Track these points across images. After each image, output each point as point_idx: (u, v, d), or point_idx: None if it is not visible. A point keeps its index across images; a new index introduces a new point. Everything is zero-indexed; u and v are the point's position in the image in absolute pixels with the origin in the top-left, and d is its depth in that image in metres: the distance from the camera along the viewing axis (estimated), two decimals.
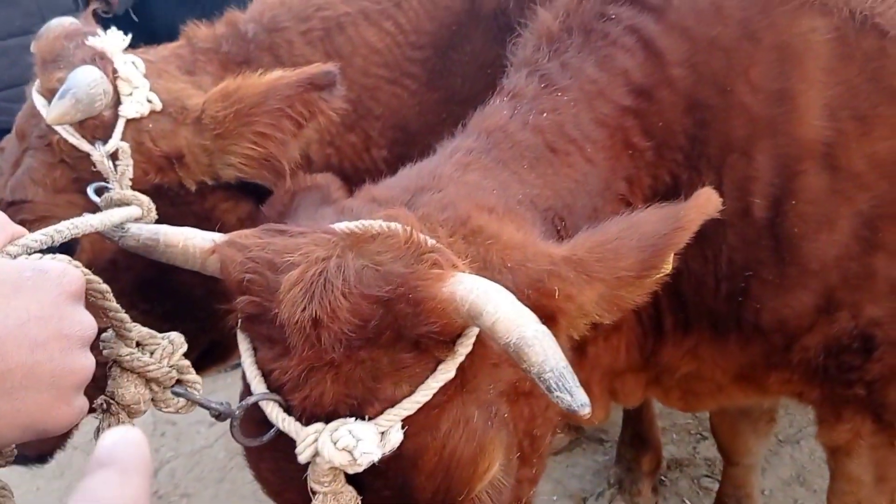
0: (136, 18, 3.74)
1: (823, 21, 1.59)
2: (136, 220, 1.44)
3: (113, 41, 1.83)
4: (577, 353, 1.73)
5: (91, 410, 0.96)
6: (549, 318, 1.24)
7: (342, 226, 1.23)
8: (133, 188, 1.73)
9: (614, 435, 3.62)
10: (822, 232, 1.68)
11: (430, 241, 1.19)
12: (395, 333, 1.08)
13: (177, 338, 1.08)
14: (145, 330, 1.06)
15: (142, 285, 1.83)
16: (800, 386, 1.91)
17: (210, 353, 2.03)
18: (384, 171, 2.29)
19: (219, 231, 1.93)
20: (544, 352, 0.99)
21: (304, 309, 1.07)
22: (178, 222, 1.85)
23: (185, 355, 1.11)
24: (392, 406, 1.06)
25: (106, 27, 1.93)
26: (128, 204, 1.46)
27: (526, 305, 1.12)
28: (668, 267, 1.28)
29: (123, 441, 0.77)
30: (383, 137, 2.25)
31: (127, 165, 1.69)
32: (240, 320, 1.19)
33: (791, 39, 1.61)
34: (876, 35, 1.58)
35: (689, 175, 1.71)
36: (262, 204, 1.65)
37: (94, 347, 0.91)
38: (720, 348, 1.88)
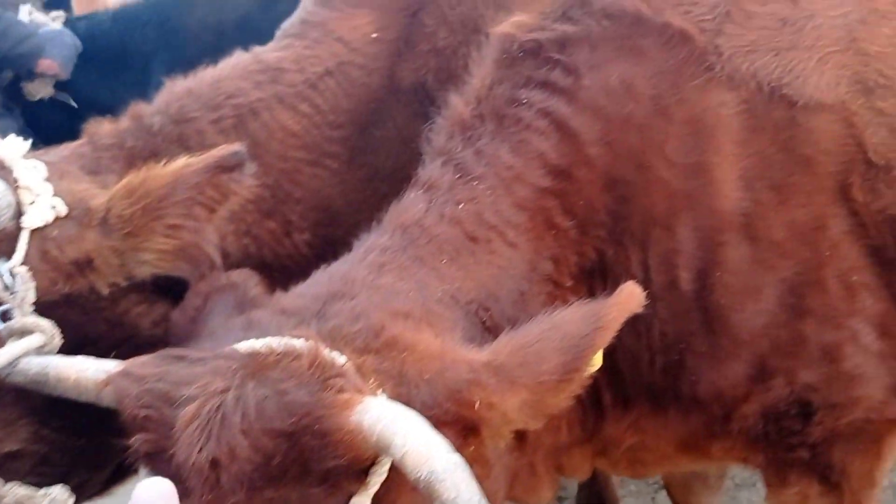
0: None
1: (732, 94, 1.60)
2: (40, 349, 1.35)
3: (12, 148, 1.75)
4: (518, 435, 1.69)
5: None
6: (470, 429, 1.19)
7: (246, 346, 1.17)
8: (41, 300, 1.64)
9: (572, 492, 3.57)
10: (749, 302, 1.67)
11: (339, 361, 1.13)
12: (301, 468, 1.02)
13: (59, 493, 1.00)
14: (22, 491, 0.98)
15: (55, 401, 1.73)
16: (743, 452, 1.89)
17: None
18: (307, 254, 2.23)
19: (133, 336, 1.85)
20: (456, 487, 0.94)
21: (202, 449, 1.01)
22: (90, 330, 1.74)
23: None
24: None
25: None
26: (29, 332, 1.38)
27: (445, 418, 1.07)
28: (593, 367, 1.25)
29: (159, 491, 0.81)
30: (305, 220, 2.19)
31: (27, 289, 1.60)
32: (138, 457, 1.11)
33: (702, 114, 1.61)
34: (785, 105, 1.59)
35: (615, 250, 1.69)
36: (178, 302, 1.58)
37: None
38: (661, 421, 1.85)
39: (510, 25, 1.70)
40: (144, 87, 2.89)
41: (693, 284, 1.68)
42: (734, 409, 1.77)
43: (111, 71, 3.66)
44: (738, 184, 1.63)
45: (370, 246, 1.48)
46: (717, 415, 1.79)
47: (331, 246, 2.21)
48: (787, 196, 1.63)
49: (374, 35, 2.22)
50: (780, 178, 1.62)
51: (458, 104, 1.71)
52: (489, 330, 1.51)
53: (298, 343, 1.14)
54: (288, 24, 2.26)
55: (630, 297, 1.28)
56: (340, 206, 2.26)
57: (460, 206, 1.53)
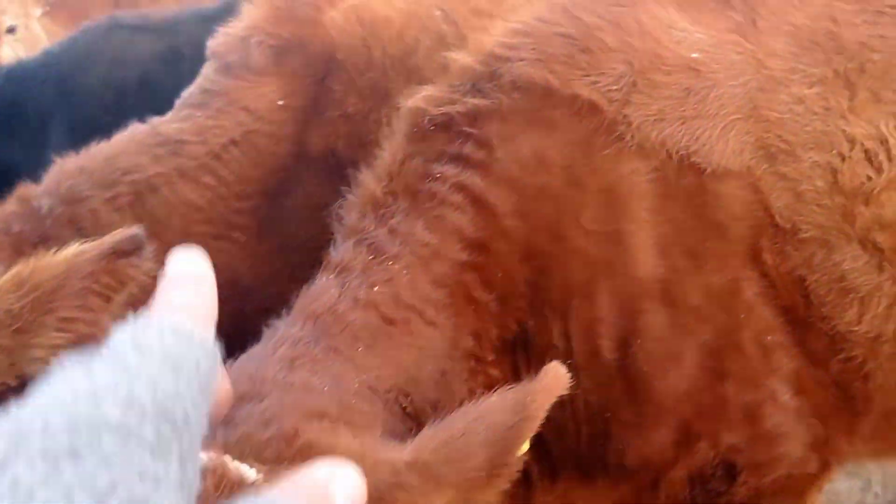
0: None
1: (643, 163, 1.61)
2: None
3: None
4: None
5: None
6: None
7: None
8: None
9: None
10: (671, 367, 1.67)
11: (249, 475, 1.05)
12: None
13: None
14: None
15: None
16: None
17: None
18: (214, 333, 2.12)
19: None
20: None
21: None
22: None
23: None
24: None
25: None
26: None
27: None
28: (521, 458, 1.20)
29: (194, 264, 0.81)
30: None
31: None
32: None
33: (615, 182, 1.62)
34: (694, 173, 1.61)
35: (536, 322, 1.67)
36: None
37: None
38: (590, 491, 1.82)
39: (421, 100, 1.67)
40: (42, 149, 2.73)
41: (615, 353, 1.66)
42: (662, 476, 1.75)
43: (5, 131, 3.46)
44: (653, 251, 1.63)
45: (280, 338, 1.40)
46: (646, 482, 1.77)
47: (239, 325, 2.11)
48: (701, 261, 1.64)
49: (281, 102, 2.16)
50: (694, 243, 1.63)
51: (369, 181, 1.66)
52: (411, 416, 1.45)
53: (203, 458, 1.05)
54: (187, 94, 2.17)
55: (555, 381, 1.25)
56: (250, 280, 2.16)
57: (376, 289, 1.47)
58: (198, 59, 2.32)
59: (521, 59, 1.64)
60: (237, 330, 2.01)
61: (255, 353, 1.40)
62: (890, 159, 1.63)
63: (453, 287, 1.55)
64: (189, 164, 2.05)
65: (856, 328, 1.67)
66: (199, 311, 0.77)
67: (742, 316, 1.67)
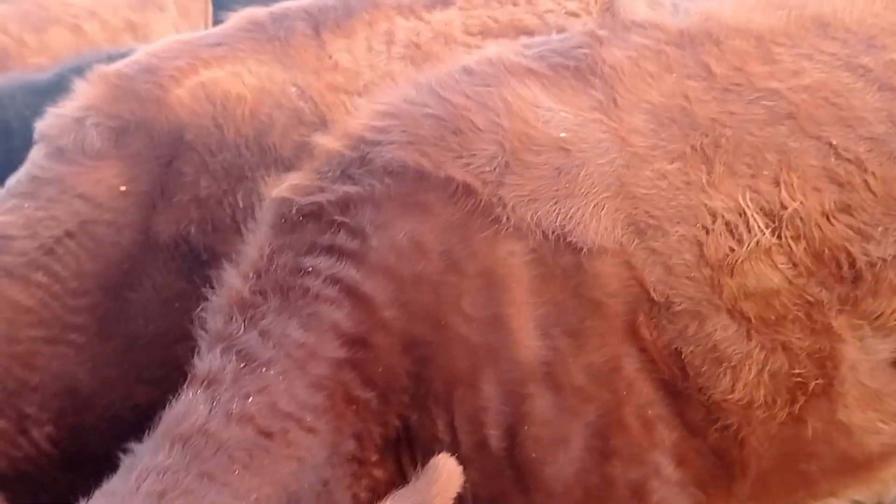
0: None
1: (520, 244, 1.58)
2: None
3: None
4: None
5: None
6: None
7: None
8: None
9: None
10: (559, 452, 1.62)
11: None
12: None
13: None
14: None
15: None
16: None
17: None
18: (50, 452, 1.87)
19: None
20: None
21: None
22: None
23: None
24: None
25: None
26: None
27: None
28: None
29: None
30: (46, 411, 1.85)
31: None
32: None
33: (493, 266, 1.57)
34: (571, 252, 1.60)
35: (420, 416, 1.58)
36: None
37: None
38: None
39: (287, 189, 1.56)
40: None
41: (503, 442, 1.60)
42: None
43: None
44: (535, 333, 1.59)
45: (144, 469, 1.22)
46: None
47: (79, 440, 1.88)
48: (582, 340, 1.62)
49: (123, 188, 1.97)
50: (574, 323, 1.61)
51: (233, 280, 1.52)
52: None
53: None
54: (14, 182, 1.94)
55: (449, 481, 1.16)
56: (91, 387, 1.94)
57: (250, 400, 1.34)
58: (28, 134, 2.09)
59: (392, 143, 1.58)
60: (78, 446, 1.78)
61: (113, 488, 1.21)
62: (749, 230, 1.69)
63: (332, 388, 1.44)
64: (17, 262, 1.81)
65: (730, 396, 1.69)
66: None
67: (624, 392, 1.66)
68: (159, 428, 1.33)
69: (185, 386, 1.41)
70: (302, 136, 2.12)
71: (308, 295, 1.46)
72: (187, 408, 1.34)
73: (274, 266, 1.50)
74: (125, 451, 1.33)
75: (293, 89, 2.16)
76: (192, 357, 1.58)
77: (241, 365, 1.39)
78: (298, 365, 1.41)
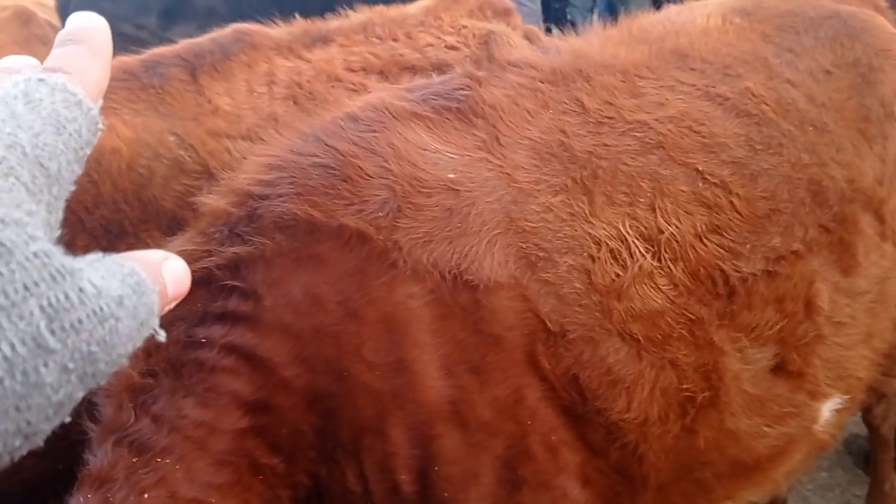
0: None
1: (418, 287, 1.57)
2: None
3: None
4: None
5: None
6: None
7: None
8: None
9: None
10: (470, 488, 1.62)
11: None
12: None
13: None
14: None
15: None
16: None
17: None
18: None
19: None
20: None
21: None
22: None
23: None
24: None
25: None
26: None
27: None
28: None
29: (93, 24, 0.77)
30: None
31: None
32: None
33: (393, 310, 1.56)
34: (468, 290, 1.61)
35: (328, 468, 1.54)
36: None
37: None
38: None
39: None
40: None
41: (415, 485, 1.58)
42: None
43: None
44: (439, 373, 1.59)
45: None
46: None
47: None
48: (485, 375, 1.63)
49: None
50: (477, 359, 1.62)
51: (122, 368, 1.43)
52: None
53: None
54: None
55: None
56: None
57: (146, 496, 1.25)
58: None
59: (280, 196, 1.54)
60: None
61: None
62: (631, 256, 1.76)
63: (237, 462, 1.38)
64: None
65: (626, 415, 1.75)
66: (91, 75, 0.74)
67: (528, 422, 1.68)
68: None
69: (77, 487, 1.31)
70: (184, 186, 2.04)
71: (203, 369, 1.39)
72: None
73: (165, 343, 1.42)
74: None
75: (171, 138, 2.08)
76: (79, 426, 1.48)
77: (134, 458, 1.30)
78: (198, 445, 1.34)
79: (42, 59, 0.76)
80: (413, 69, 2.65)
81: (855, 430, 3.59)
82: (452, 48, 2.75)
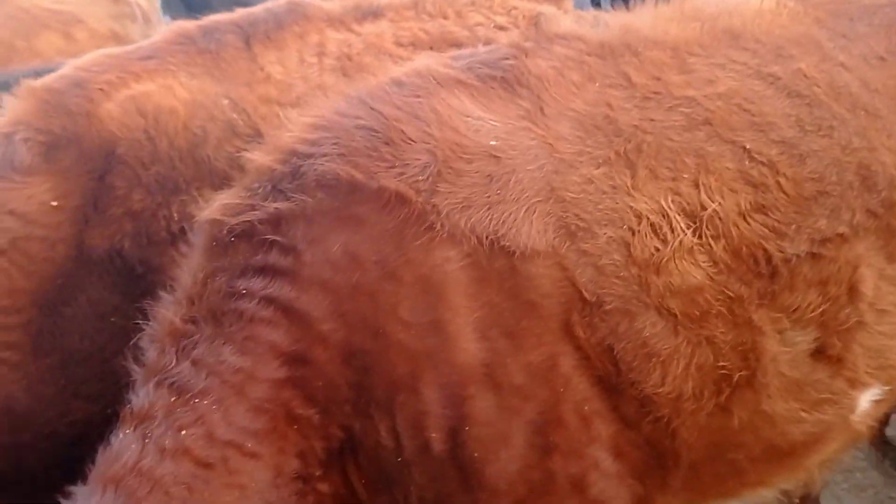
0: None
1: (455, 250, 1.58)
2: None
3: None
4: None
5: None
6: None
7: None
8: None
9: None
10: (501, 450, 1.63)
11: None
12: None
13: None
14: None
15: None
16: None
17: None
18: None
19: None
20: None
21: None
22: None
23: None
24: None
25: None
26: None
27: None
28: None
29: None
30: None
31: None
32: None
33: (429, 272, 1.57)
34: (505, 256, 1.61)
35: (362, 423, 1.57)
36: None
37: None
38: None
39: (217, 210, 1.52)
40: None
41: (446, 444, 1.60)
42: None
43: None
44: (473, 335, 1.60)
45: None
46: None
47: (15, 460, 1.80)
48: (520, 340, 1.63)
49: (55, 203, 1.90)
50: (511, 324, 1.62)
51: (167, 310, 1.47)
52: None
53: None
54: None
55: None
56: (26, 404, 1.86)
57: (183, 433, 1.30)
58: None
59: (324, 155, 1.56)
60: (14, 466, 1.71)
61: None
62: (672, 231, 1.73)
63: (274, 410, 1.41)
64: None
65: (660, 390, 1.73)
66: None
67: (561, 389, 1.67)
68: (94, 471, 1.29)
69: (117, 425, 1.37)
70: (236, 148, 2.09)
71: (243, 318, 1.43)
72: (119, 449, 1.30)
73: (208, 292, 1.46)
74: (66, 495, 1.28)
75: (225, 101, 2.13)
76: (130, 372, 1.54)
77: (174, 398, 1.34)
78: (236, 391, 1.38)
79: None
80: (461, 47, 2.65)
81: (891, 432, 3.49)
82: (502, 28, 2.75)
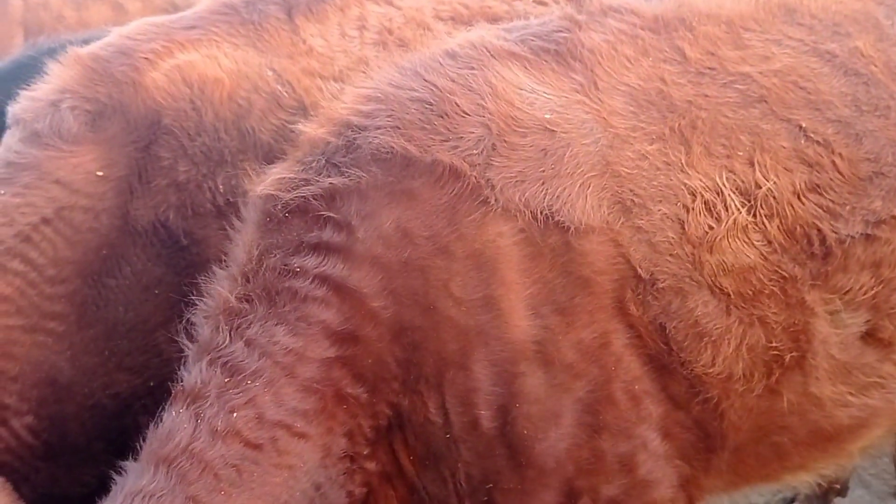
0: None
1: (508, 225, 1.54)
2: None
3: None
4: None
5: None
6: None
7: None
8: None
9: None
10: (550, 428, 1.60)
11: None
12: None
13: None
14: None
15: None
16: None
17: None
18: (31, 443, 1.79)
19: None
20: None
21: None
22: None
23: None
24: None
25: None
26: None
27: None
28: None
29: None
30: (25, 401, 1.76)
31: None
32: None
33: (482, 247, 1.53)
34: (559, 231, 1.57)
35: (410, 400, 1.54)
36: None
37: None
38: None
39: (272, 185, 1.49)
40: None
41: (495, 421, 1.56)
42: None
43: None
44: (525, 312, 1.56)
45: (129, 493, 1.17)
46: None
47: (60, 430, 1.79)
48: (572, 318, 1.59)
49: (100, 173, 1.87)
50: (564, 301, 1.58)
51: (221, 286, 1.45)
52: None
53: None
54: None
55: None
56: (70, 375, 1.85)
57: (234, 416, 1.28)
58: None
59: (378, 128, 1.52)
60: (58, 436, 1.70)
61: None
62: (726, 209, 1.68)
63: (323, 390, 1.39)
64: None
65: (710, 370, 1.69)
66: None
67: (612, 368, 1.64)
68: (145, 448, 1.27)
69: (169, 402, 1.35)
70: (280, 120, 2.05)
71: (296, 298, 1.40)
72: (172, 428, 1.28)
73: (262, 269, 1.43)
74: (117, 469, 1.26)
75: (269, 73, 2.09)
76: (173, 343, 1.51)
77: (226, 378, 1.33)
78: (287, 371, 1.36)
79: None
80: (500, 22, 2.59)
81: None
82: (541, 3, 2.68)
